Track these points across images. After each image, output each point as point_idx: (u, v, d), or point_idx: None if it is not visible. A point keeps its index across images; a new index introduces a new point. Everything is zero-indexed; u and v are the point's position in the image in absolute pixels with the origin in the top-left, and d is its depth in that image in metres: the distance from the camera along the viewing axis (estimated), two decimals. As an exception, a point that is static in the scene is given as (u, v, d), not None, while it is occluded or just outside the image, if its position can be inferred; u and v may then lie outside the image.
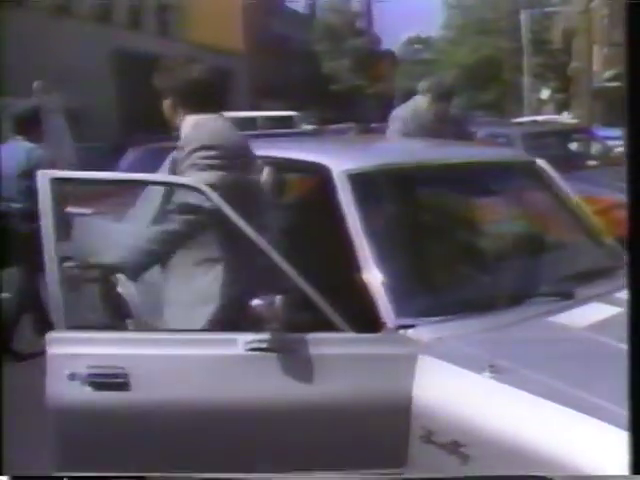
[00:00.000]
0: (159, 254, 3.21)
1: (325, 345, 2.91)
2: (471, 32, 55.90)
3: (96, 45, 29.27)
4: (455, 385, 2.74)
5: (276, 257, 2.93)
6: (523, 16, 43.99)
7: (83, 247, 5.28)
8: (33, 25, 23.86)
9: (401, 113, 6.72)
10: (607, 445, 2.34)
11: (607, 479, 2.29)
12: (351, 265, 3.27)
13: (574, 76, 40.68)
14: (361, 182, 3.53)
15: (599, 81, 36.51)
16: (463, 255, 4.08)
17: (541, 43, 49.71)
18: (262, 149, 4.53)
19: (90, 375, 2.80)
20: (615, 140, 16.76)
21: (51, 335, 2.88)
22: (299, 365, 2.86)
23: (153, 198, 5.03)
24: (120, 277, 5.01)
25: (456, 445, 2.58)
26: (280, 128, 24.59)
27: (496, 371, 2.65)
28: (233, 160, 3.36)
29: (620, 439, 2.29)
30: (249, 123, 26.30)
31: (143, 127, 25.80)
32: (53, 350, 2.85)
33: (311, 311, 2.91)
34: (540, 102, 50.09)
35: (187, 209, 3.08)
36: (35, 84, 13.00)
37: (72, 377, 2.79)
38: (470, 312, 3.17)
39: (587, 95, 21.89)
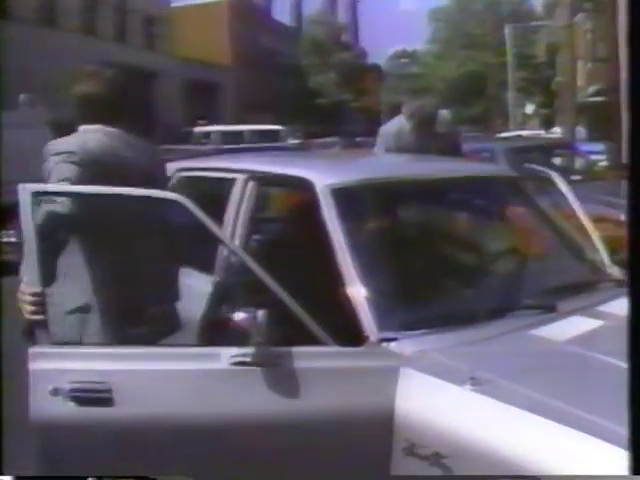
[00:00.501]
0: None
1: (308, 359, 2.91)
2: (456, 46, 56.22)
3: (82, 58, 29.26)
4: (437, 398, 2.75)
5: (259, 271, 2.93)
6: (507, 30, 44.26)
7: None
8: (18, 37, 23.84)
9: (387, 130, 6.77)
10: (590, 457, 2.36)
11: (607, 479, 2.30)
12: (334, 279, 3.29)
13: (558, 91, 40.89)
14: (344, 197, 3.55)
15: (583, 96, 36.71)
16: (445, 269, 4.11)
17: (525, 58, 50.04)
18: (246, 163, 4.57)
19: (72, 390, 2.79)
20: (598, 155, 16.89)
21: (34, 350, 2.86)
22: (282, 379, 2.85)
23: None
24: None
25: (438, 457, 2.60)
26: (266, 142, 24.66)
27: (477, 383, 2.67)
28: (93, 169, 3.22)
29: (603, 451, 2.31)
30: (236, 137, 26.36)
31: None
32: (36, 366, 2.83)
33: (294, 325, 2.91)
34: (525, 117, 50.36)
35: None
36: (21, 97, 13.00)
37: (55, 392, 2.78)
38: (452, 325, 3.18)
39: (571, 110, 22.05)
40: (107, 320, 3.31)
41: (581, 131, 28.84)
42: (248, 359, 2.82)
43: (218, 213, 4.30)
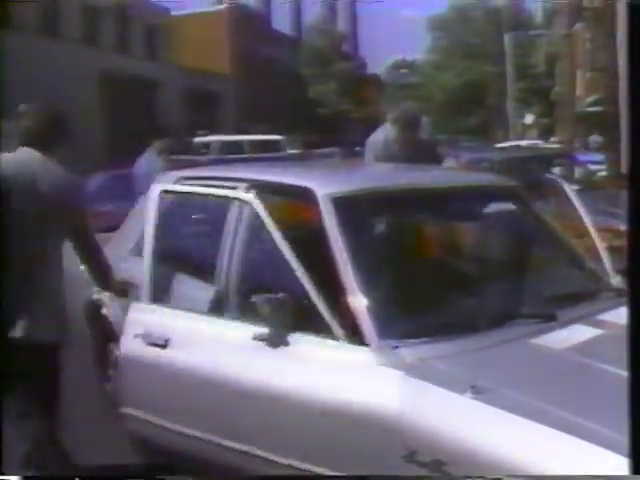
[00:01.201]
0: None
1: (315, 347, 3.22)
2: (455, 56, 56.31)
3: (83, 67, 29.31)
4: (437, 405, 2.77)
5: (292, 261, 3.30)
6: (507, 40, 44.34)
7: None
8: (19, 47, 23.89)
9: (374, 140, 6.81)
10: (590, 464, 2.37)
11: (607, 479, 2.31)
12: (335, 287, 3.30)
13: (557, 101, 40.98)
14: (345, 205, 3.57)
15: (582, 106, 36.77)
16: (446, 277, 4.12)
17: (525, 67, 50.09)
18: (247, 172, 4.58)
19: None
20: (597, 164, 16.92)
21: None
22: (289, 359, 3.26)
23: (135, 223, 5.08)
24: (104, 298, 5.04)
25: (438, 464, 2.61)
26: (266, 152, 24.68)
27: (478, 392, 2.68)
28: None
29: (603, 458, 2.32)
30: (236, 147, 26.39)
31: (128, 149, 25.92)
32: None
33: (311, 314, 3.21)
34: (524, 127, 50.40)
35: None
36: (20, 107, 13.02)
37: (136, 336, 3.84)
38: (453, 334, 3.20)
39: (570, 120, 22.12)
40: None
41: (595, 140, 28.81)
42: (266, 337, 3.28)
43: (219, 222, 4.31)
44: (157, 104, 35.98)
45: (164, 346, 3.71)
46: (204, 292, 3.89)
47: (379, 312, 3.19)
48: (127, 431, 4.07)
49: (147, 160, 8.03)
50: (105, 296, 5.05)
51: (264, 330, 3.28)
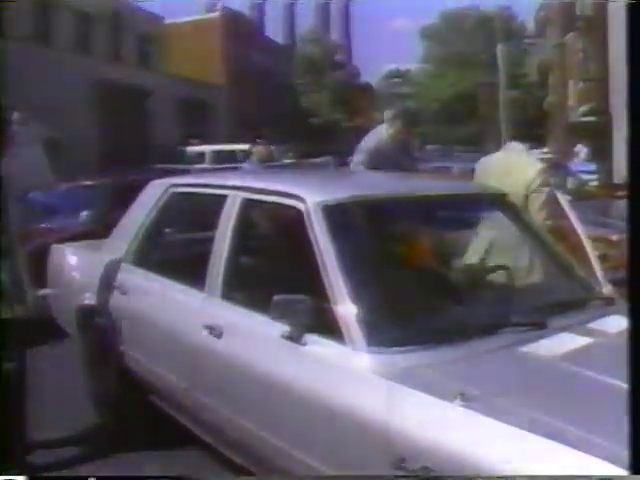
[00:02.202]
0: None
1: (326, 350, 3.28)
2: (448, 65, 56.47)
3: (77, 76, 29.28)
4: (427, 413, 2.76)
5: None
6: (499, 49, 44.43)
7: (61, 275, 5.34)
8: (12, 55, 23.87)
9: (365, 144, 6.79)
10: (580, 471, 2.37)
11: (607, 479, 2.31)
12: (325, 294, 3.32)
13: (550, 111, 41.08)
14: (335, 213, 3.59)
15: (574, 116, 36.86)
16: (436, 285, 4.13)
17: (517, 77, 50.22)
18: (238, 179, 4.60)
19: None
20: (590, 174, 16.98)
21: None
22: (301, 358, 3.34)
23: (128, 230, 5.08)
24: (96, 305, 5.04)
25: (427, 471, 2.61)
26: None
27: (467, 399, 2.68)
28: None
29: (593, 466, 2.32)
30: (229, 156, 26.38)
31: (123, 159, 25.87)
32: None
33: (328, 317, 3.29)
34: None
35: None
36: (15, 115, 12.99)
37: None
38: (442, 342, 3.20)
39: (562, 130, 22.17)
40: None
41: (580, 150, 28.85)
42: (288, 335, 3.37)
43: (210, 228, 4.34)
44: (149, 113, 35.98)
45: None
46: None
47: (368, 320, 3.20)
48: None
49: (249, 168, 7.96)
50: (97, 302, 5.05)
51: (285, 328, 3.39)
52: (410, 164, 6.54)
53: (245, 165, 8.18)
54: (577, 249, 4.33)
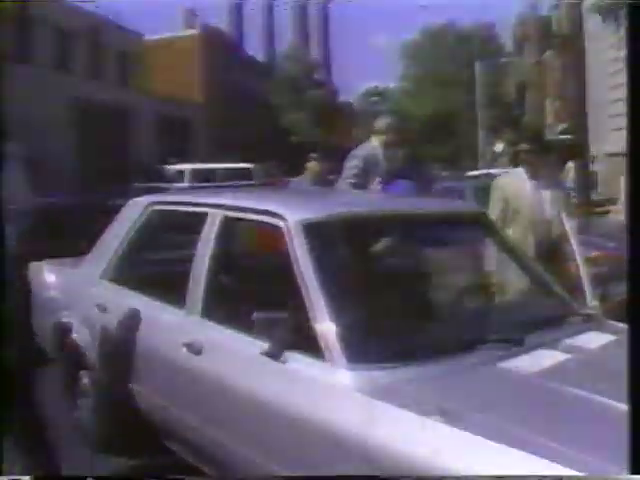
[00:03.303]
0: None
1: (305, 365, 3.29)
2: (427, 84, 56.71)
3: (56, 93, 29.22)
4: (406, 429, 2.78)
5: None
6: (477, 68, 44.75)
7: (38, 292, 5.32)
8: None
9: (356, 153, 6.78)
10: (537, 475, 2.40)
11: (607, 479, 2.32)
12: (306, 312, 3.33)
13: (528, 129, 41.27)
14: (315, 231, 3.61)
15: (552, 134, 37.11)
16: (416, 303, 4.15)
17: (495, 96, 50.54)
18: (218, 197, 4.60)
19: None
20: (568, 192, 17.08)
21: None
22: (280, 375, 3.34)
23: (107, 248, 5.07)
24: (74, 323, 5.02)
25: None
26: (239, 180, 24.71)
27: (446, 415, 2.70)
28: None
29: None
30: (208, 175, 26.40)
31: (102, 177, 25.82)
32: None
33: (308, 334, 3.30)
34: (494, 155, 50.72)
35: None
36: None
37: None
38: (422, 358, 3.22)
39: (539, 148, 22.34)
40: None
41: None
42: (268, 352, 3.37)
43: (190, 246, 4.34)
44: (128, 131, 35.95)
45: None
46: None
47: (348, 337, 3.22)
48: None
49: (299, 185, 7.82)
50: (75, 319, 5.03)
51: (265, 346, 3.39)
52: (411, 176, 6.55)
53: (295, 182, 7.92)
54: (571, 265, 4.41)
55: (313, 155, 7.57)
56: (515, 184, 6.07)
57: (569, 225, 4.57)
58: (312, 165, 7.54)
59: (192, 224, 4.42)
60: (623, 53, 24.14)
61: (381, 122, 6.77)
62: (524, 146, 6.02)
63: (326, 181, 7.49)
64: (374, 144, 6.67)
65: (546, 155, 6.12)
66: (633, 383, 2.23)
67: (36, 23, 30.62)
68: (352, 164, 6.53)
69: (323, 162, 7.62)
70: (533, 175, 5.95)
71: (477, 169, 35.50)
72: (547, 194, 5.88)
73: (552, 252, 5.18)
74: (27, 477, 2.82)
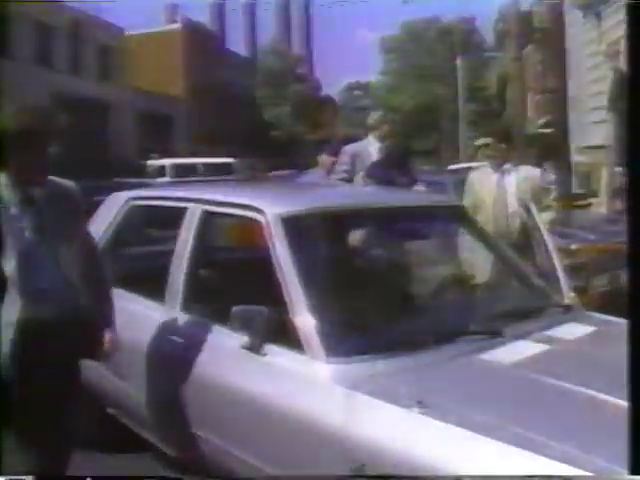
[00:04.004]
0: None
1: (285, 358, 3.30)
2: (408, 78, 56.74)
3: (36, 88, 29.03)
4: (384, 420, 2.79)
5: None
6: (459, 62, 44.80)
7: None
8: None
9: (352, 149, 6.79)
10: (538, 476, 2.40)
11: (607, 479, 2.34)
12: (285, 305, 3.33)
13: (509, 123, 41.43)
14: (294, 225, 3.61)
15: (533, 127, 37.27)
16: (395, 295, 4.16)
17: (476, 90, 50.62)
18: (197, 192, 4.60)
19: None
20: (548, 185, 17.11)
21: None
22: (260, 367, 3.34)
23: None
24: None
25: (386, 478, 2.64)
26: (220, 175, 24.67)
27: (424, 406, 2.71)
28: None
29: (551, 469, 2.36)
30: (189, 170, 26.36)
31: (82, 173, 25.70)
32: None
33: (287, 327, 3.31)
34: (475, 149, 50.74)
35: None
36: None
37: None
38: (401, 350, 3.23)
39: (520, 141, 22.43)
40: None
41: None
42: (247, 345, 3.38)
43: (170, 241, 4.33)
44: (109, 126, 35.82)
45: None
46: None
47: (327, 329, 3.23)
48: None
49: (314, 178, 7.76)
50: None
51: (245, 339, 3.39)
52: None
53: (307, 175, 7.85)
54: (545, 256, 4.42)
55: (325, 148, 7.56)
56: (481, 178, 6.26)
57: (540, 217, 4.57)
58: (324, 158, 7.53)
59: (172, 219, 4.41)
60: (603, 47, 24.32)
61: (374, 116, 6.82)
62: (483, 140, 6.13)
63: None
64: (369, 140, 6.71)
65: (508, 147, 6.16)
66: (633, 383, 2.24)
67: (15, 18, 30.38)
68: (342, 160, 6.58)
69: (335, 155, 7.60)
70: (496, 168, 6.06)
71: (458, 163, 35.59)
72: (512, 187, 5.95)
73: (514, 244, 5.18)
74: (29, 477, 2.82)
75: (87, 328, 3.35)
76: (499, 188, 5.97)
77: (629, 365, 2.28)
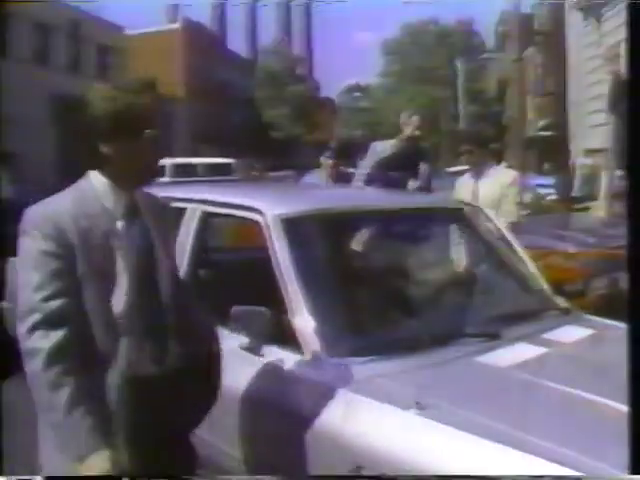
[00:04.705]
0: None
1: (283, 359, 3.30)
2: (408, 80, 56.70)
3: (34, 88, 29.03)
4: (383, 422, 2.79)
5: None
6: (459, 64, 44.84)
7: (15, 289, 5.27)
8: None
9: (379, 146, 6.78)
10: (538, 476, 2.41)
11: (607, 479, 2.34)
12: (284, 306, 3.34)
13: (509, 125, 41.47)
14: (294, 226, 3.62)
15: (532, 130, 37.28)
16: (393, 297, 4.17)
17: (476, 92, 50.62)
18: (197, 192, 4.60)
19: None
20: (547, 188, 17.14)
21: None
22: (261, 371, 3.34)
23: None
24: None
25: (386, 478, 2.64)
26: (219, 175, 24.64)
27: (422, 408, 2.72)
28: None
29: (546, 470, 2.36)
30: (188, 170, 26.34)
31: (79, 172, 25.65)
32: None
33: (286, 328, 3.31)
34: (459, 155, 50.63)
35: None
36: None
37: None
38: (399, 352, 3.24)
39: (520, 144, 22.43)
40: None
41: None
42: (246, 346, 3.37)
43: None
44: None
45: None
46: None
47: (326, 330, 3.23)
48: None
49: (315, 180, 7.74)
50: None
51: (244, 340, 3.39)
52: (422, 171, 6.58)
53: (308, 178, 7.82)
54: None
55: (328, 153, 7.55)
56: (463, 183, 6.33)
57: (500, 221, 4.58)
58: (325, 160, 7.53)
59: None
60: (603, 50, 24.32)
61: (406, 114, 6.77)
62: (464, 147, 6.14)
63: (340, 175, 7.48)
64: (392, 141, 6.69)
65: (479, 152, 6.15)
66: (633, 383, 2.25)
67: (14, 16, 30.35)
68: (365, 163, 6.60)
69: (336, 157, 7.59)
70: (473, 173, 6.10)
71: (457, 165, 35.58)
72: (485, 192, 5.95)
73: None
74: (38, 477, 2.79)
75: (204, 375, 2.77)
76: (472, 194, 5.98)
77: (629, 366, 2.29)
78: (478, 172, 6.12)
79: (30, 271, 2.37)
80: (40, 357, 2.30)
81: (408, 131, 6.60)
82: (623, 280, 7.15)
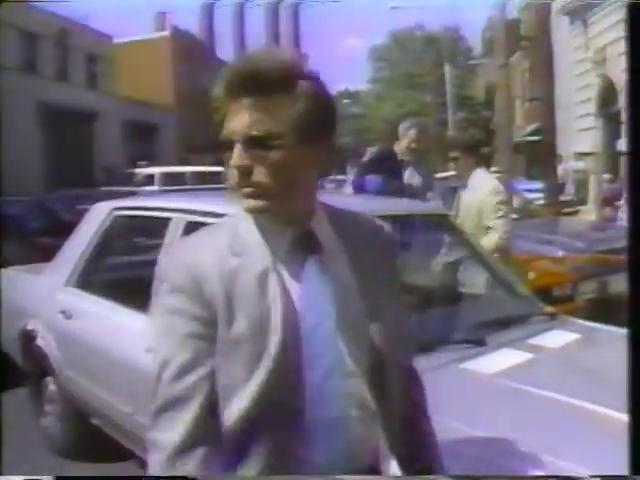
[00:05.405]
0: None
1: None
2: (396, 86, 56.83)
3: (22, 96, 28.96)
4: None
5: None
6: (447, 70, 44.91)
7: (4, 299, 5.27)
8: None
9: (371, 154, 6.78)
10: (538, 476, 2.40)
11: (607, 479, 2.33)
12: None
13: (497, 130, 41.49)
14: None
15: (520, 135, 37.32)
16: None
17: (464, 98, 50.74)
18: (180, 202, 4.59)
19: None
20: (535, 193, 17.18)
21: None
22: None
23: (71, 254, 5.04)
24: (39, 329, 4.98)
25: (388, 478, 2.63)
26: (209, 183, 24.60)
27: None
28: None
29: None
30: (178, 179, 26.28)
31: (70, 181, 25.62)
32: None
33: None
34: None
35: None
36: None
37: None
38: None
39: (508, 149, 22.43)
40: None
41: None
42: None
43: (154, 251, 4.31)
44: (97, 135, 35.73)
45: None
46: None
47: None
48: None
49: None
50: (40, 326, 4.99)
51: None
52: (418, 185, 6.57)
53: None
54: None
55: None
56: (459, 194, 6.25)
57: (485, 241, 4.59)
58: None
59: (156, 229, 4.39)
60: (590, 54, 24.40)
61: (404, 125, 6.73)
62: (451, 153, 6.14)
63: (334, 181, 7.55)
64: (393, 148, 6.68)
65: (467, 160, 6.10)
66: (633, 385, 2.24)
67: (3, 26, 30.29)
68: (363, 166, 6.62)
69: None
70: (458, 180, 6.13)
71: (446, 171, 35.60)
72: (466, 198, 5.93)
73: None
74: (48, 477, 2.78)
75: None
76: (457, 200, 6.00)
77: (629, 368, 2.28)
78: (463, 179, 6.09)
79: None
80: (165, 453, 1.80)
81: (404, 144, 6.59)
82: (611, 284, 7.17)
